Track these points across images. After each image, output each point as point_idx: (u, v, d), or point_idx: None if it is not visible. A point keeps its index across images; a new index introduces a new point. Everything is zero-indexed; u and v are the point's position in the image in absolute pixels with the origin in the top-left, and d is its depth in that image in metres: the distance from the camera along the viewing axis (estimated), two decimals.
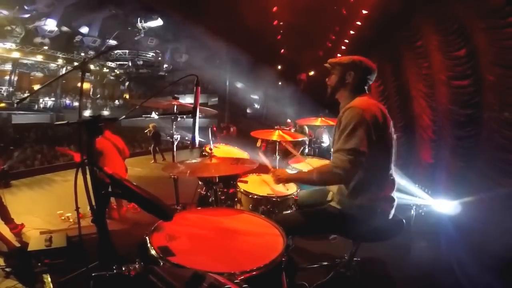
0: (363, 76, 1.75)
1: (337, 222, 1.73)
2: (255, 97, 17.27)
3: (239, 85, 16.04)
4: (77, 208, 1.08)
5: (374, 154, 1.57)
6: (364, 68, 1.74)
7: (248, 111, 17.21)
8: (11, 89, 16.11)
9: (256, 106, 17.56)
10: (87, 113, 15.33)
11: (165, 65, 20.18)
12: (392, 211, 1.72)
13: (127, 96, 22.66)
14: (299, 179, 1.98)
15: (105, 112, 18.68)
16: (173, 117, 2.47)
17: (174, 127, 2.74)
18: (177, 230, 1.38)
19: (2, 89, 16.05)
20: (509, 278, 2.28)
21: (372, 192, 1.65)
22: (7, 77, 16.20)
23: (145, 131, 8.69)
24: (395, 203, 1.72)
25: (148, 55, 19.97)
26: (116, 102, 22.28)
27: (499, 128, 3.42)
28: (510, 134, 3.26)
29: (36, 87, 17.42)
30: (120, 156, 3.69)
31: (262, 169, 2.33)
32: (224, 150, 3.06)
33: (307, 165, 3.09)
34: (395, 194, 1.73)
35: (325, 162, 3.27)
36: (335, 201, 1.78)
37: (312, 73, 12.93)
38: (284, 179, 1.90)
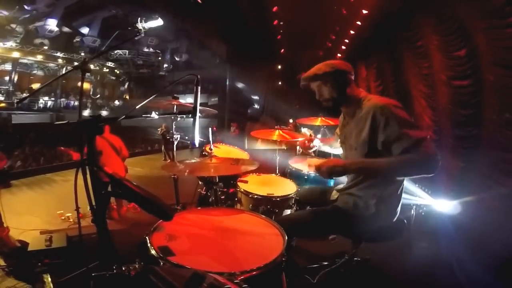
0: (352, 77, 1.71)
1: (342, 222, 1.71)
2: (255, 97, 17.27)
3: (239, 85, 16.05)
4: (77, 208, 1.08)
5: (382, 152, 1.53)
6: (350, 70, 1.71)
7: (248, 111, 17.20)
8: (11, 89, 16.11)
9: (256, 106, 17.56)
10: (86, 113, 15.35)
11: (165, 65, 20.23)
12: (398, 212, 1.70)
13: (127, 96, 22.66)
14: (370, 169, 1.57)
15: (104, 112, 18.67)
16: (173, 117, 2.48)
17: (174, 127, 2.75)
18: (177, 230, 1.38)
19: (2, 89, 16.05)
20: (509, 278, 2.28)
21: (378, 192, 1.62)
22: (7, 77, 16.21)
23: (158, 131, 8.29)
24: (401, 204, 1.70)
25: (148, 55, 20.02)
26: (116, 102, 22.27)
27: (499, 128, 3.42)
28: (510, 134, 3.26)
29: (36, 87, 17.42)
30: (117, 156, 3.68)
31: (262, 169, 2.33)
32: (224, 150, 3.06)
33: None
34: (401, 195, 1.69)
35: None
36: (341, 201, 1.76)
37: None
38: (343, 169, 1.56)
